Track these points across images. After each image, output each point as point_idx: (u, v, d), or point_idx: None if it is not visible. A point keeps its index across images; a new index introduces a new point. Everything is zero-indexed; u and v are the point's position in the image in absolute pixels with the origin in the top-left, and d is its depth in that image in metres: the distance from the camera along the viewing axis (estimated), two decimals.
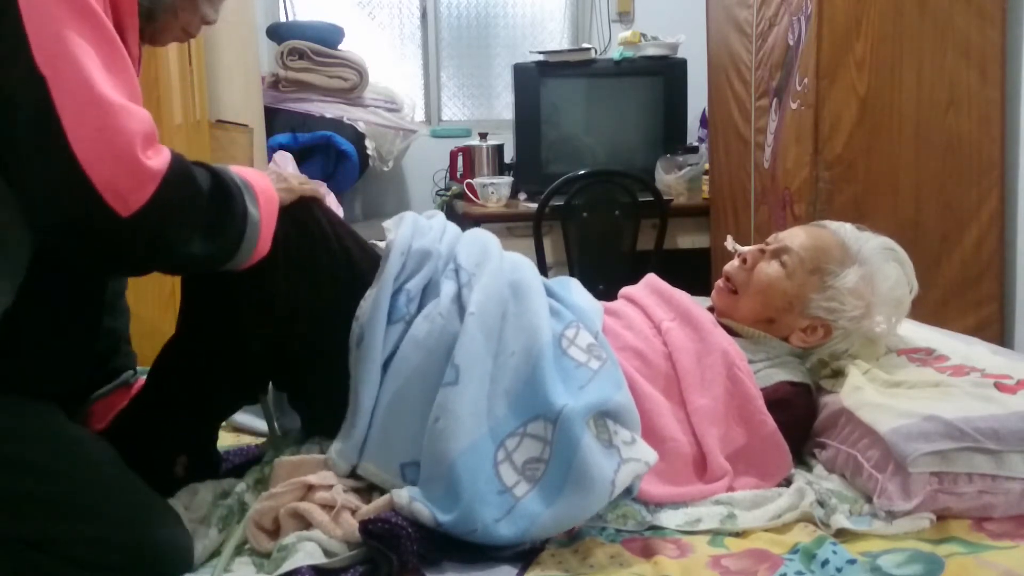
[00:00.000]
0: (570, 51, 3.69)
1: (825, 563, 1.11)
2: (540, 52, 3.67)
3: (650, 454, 1.23)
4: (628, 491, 1.21)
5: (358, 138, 3.60)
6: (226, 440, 1.56)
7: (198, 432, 1.36)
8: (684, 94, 3.67)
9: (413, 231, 1.40)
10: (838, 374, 1.50)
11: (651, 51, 3.66)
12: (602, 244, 3.33)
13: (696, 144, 3.79)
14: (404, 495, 1.18)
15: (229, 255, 1.17)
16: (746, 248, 1.59)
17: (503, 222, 3.39)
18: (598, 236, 3.31)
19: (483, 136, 3.83)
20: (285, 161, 3.32)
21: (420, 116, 4.21)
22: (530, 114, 3.60)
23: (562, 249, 3.35)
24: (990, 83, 2.40)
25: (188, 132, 2.45)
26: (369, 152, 3.66)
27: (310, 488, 1.23)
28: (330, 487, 1.22)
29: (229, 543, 1.19)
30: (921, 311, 1.65)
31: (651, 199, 3.28)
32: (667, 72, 3.66)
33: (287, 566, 1.09)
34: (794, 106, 2.54)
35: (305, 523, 1.18)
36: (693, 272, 2.98)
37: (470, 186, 3.58)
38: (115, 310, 1.45)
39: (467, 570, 1.14)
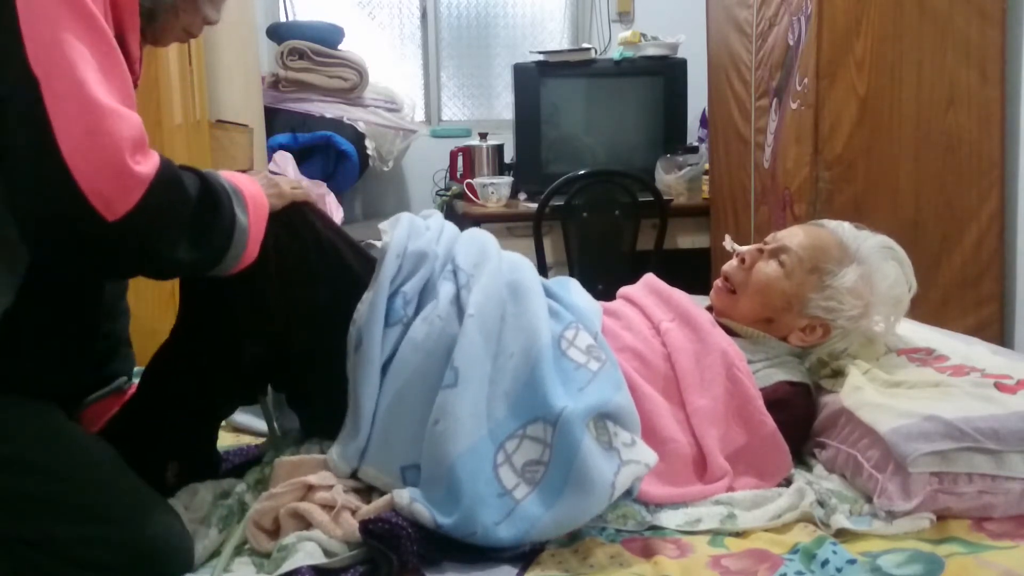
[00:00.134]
0: (570, 51, 3.69)
1: (825, 563, 1.11)
2: (540, 52, 3.67)
3: (650, 456, 1.23)
4: (628, 492, 1.21)
5: (358, 138, 3.60)
6: (226, 440, 1.56)
7: (194, 434, 1.36)
8: (684, 94, 3.67)
9: (409, 233, 1.39)
10: (838, 374, 1.50)
11: (651, 51, 3.66)
12: (602, 244, 3.33)
13: (696, 144, 3.79)
14: (405, 495, 1.18)
15: (216, 261, 1.16)
16: (744, 248, 1.59)
17: (503, 222, 3.39)
18: (598, 236, 3.31)
19: (483, 136, 3.83)
20: (285, 161, 3.32)
21: (420, 116, 4.21)
22: (530, 114, 3.60)
23: (562, 249, 3.35)
24: (990, 83, 2.40)
25: (188, 132, 2.45)
26: (369, 152, 3.66)
27: (310, 488, 1.23)
28: (330, 487, 1.22)
29: (229, 543, 1.19)
30: (921, 311, 1.65)
31: (651, 199, 3.28)
32: (667, 72, 3.66)
33: (287, 566, 1.10)
34: (794, 106, 2.54)
35: (305, 523, 1.18)
36: (693, 272, 2.98)
37: (470, 186, 3.59)
38: (115, 312, 1.45)
39: (467, 570, 1.14)
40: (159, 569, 1.14)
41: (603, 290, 1.80)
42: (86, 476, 1.14)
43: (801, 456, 1.45)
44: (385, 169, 3.85)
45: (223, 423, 1.48)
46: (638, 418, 1.28)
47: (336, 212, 3.30)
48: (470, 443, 1.20)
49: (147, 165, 1.05)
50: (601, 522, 1.22)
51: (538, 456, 1.20)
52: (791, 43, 2.56)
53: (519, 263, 1.44)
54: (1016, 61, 2.40)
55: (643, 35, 3.71)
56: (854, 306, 1.49)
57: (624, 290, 1.66)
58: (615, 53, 3.74)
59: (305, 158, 3.52)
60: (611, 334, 1.47)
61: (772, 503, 1.28)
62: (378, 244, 1.38)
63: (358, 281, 1.32)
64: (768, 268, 1.53)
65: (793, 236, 1.55)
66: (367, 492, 1.26)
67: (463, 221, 3.33)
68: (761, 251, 1.56)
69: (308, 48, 3.56)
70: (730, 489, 1.33)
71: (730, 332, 1.52)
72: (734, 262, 1.58)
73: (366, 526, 1.13)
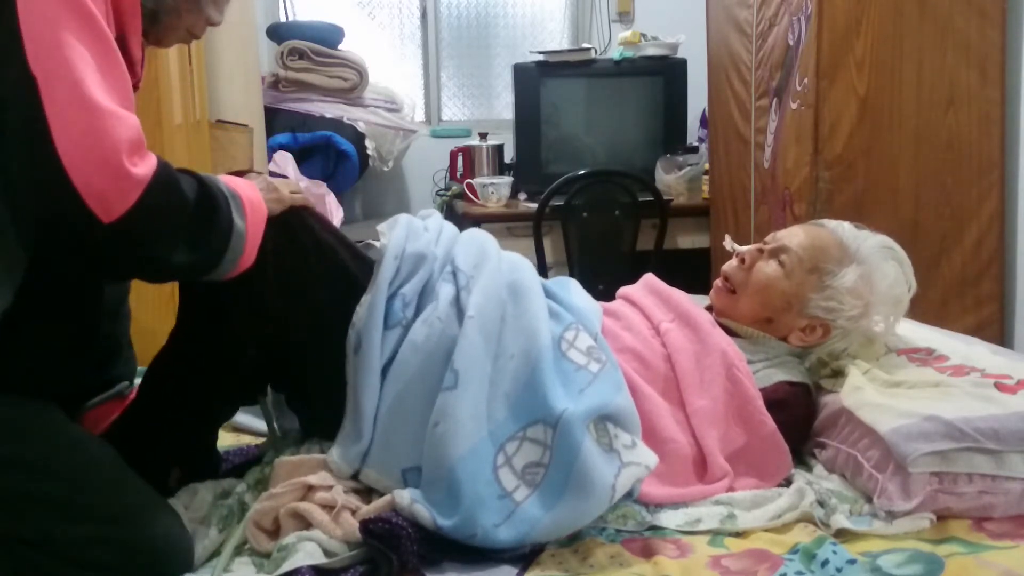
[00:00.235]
0: (570, 51, 3.69)
1: (825, 563, 1.11)
2: (540, 52, 3.67)
3: (650, 457, 1.23)
4: (629, 494, 1.21)
5: (358, 138, 3.60)
6: (226, 440, 1.56)
7: (195, 438, 1.36)
8: (684, 94, 3.67)
9: (407, 234, 1.39)
10: (838, 374, 1.50)
11: (651, 51, 3.66)
12: (602, 244, 3.33)
13: (696, 144, 3.79)
14: (405, 496, 1.18)
15: (212, 265, 1.16)
16: (744, 248, 1.59)
17: (503, 222, 3.39)
18: (598, 236, 3.31)
19: (483, 136, 3.83)
20: (285, 161, 3.32)
21: (420, 116, 4.21)
22: (530, 114, 3.60)
23: (562, 249, 3.35)
24: (990, 83, 2.40)
25: (188, 132, 2.45)
26: (369, 152, 3.66)
27: (310, 488, 1.23)
28: (330, 487, 1.22)
29: (229, 543, 1.19)
30: (921, 311, 1.65)
31: (651, 199, 3.28)
32: (667, 72, 3.65)
33: (287, 566, 1.10)
34: (794, 106, 2.54)
35: (305, 523, 1.18)
36: (693, 272, 2.98)
37: (470, 186, 3.58)
38: (118, 315, 1.44)
39: (467, 570, 1.14)
40: (159, 569, 1.14)
41: (603, 290, 1.80)
42: (86, 476, 1.14)
43: (801, 456, 1.45)
44: (385, 169, 3.85)
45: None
46: (638, 419, 1.27)
47: (336, 212, 3.30)
48: (470, 445, 1.20)
49: (144, 167, 1.05)
50: (601, 522, 1.22)
51: (538, 458, 1.20)
52: (791, 43, 2.56)
53: (519, 263, 1.44)
54: (1016, 61, 2.40)
55: (643, 35, 3.71)
56: (854, 306, 1.49)
57: (624, 290, 1.66)
58: (615, 53, 3.74)
59: (305, 158, 3.52)
60: (611, 335, 1.46)
61: (772, 503, 1.28)
62: (376, 245, 1.38)
63: (357, 284, 1.32)
64: (768, 268, 1.53)
65: (793, 236, 1.55)
66: (367, 492, 1.26)
67: (463, 221, 3.33)
68: (761, 251, 1.56)
69: (308, 48, 3.56)
70: (730, 489, 1.33)
71: (730, 332, 1.52)
72: (734, 262, 1.58)
73: (366, 526, 1.13)
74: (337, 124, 3.57)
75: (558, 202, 3.23)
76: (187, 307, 1.32)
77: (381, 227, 1.42)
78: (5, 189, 1.02)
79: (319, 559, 1.12)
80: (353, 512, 1.20)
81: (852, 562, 1.11)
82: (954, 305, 2.45)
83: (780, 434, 1.37)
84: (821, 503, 1.26)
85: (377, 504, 1.20)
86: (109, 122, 1.01)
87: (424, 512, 1.16)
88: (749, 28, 2.87)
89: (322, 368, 1.31)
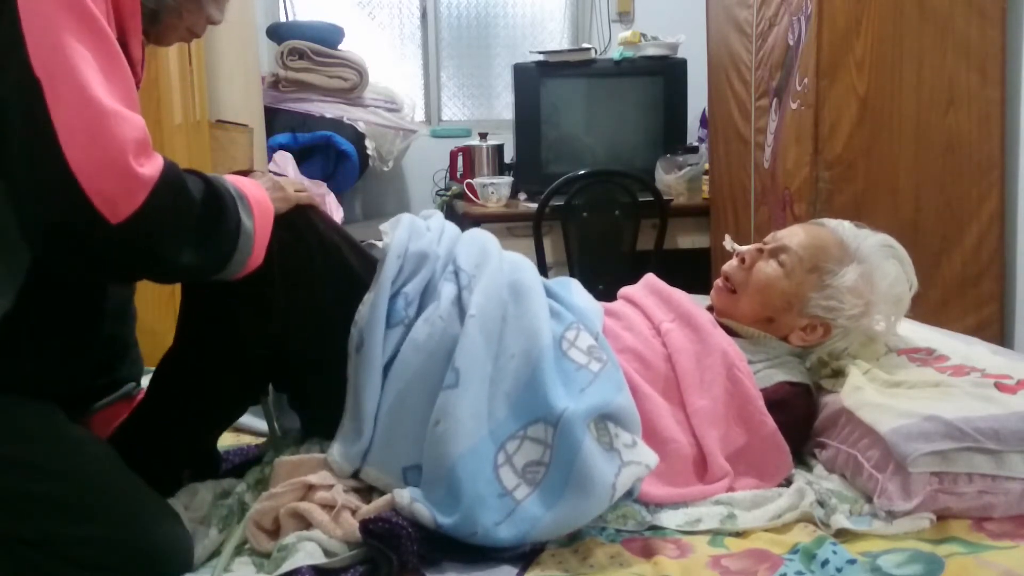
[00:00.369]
0: (570, 51, 3.69)
1: (825, 563, 1.11)
2: (540, 52, 3.67)
3: (651, 457, 1.23)
4: (629, 493, 1.21)
5: (358, 138, 3.60)
6: (226, 440, 1.55)
7: (202, 440, 1.36)
8: (684, 94, 3.67)
9: (410, 234, 1.39)
10: (838, 374, 1.50)
11: (651, 51, 3.66)
12: (602, 244, 3.33)
13: (696, 144, 3.79)
14: (405, 495, 1.18)
15: (221, 266, 1.16)
16: (744, 247, 1.59)
17: (503, 222, 3.39)
18: (598, 236, 3.32)
19: (483, 136, 3.83)
20: (285, 161, 3.32)
21: (420, 116, 4.21)
22: (530, 114, 3.60)
23: (562, 249, 3.35)
24: (990, 83, 2.40)
25: (188, 132, 2.45)
26: (369, 152, 3.66)
27: (310, 488, 1.23)
28: (330, 487, 1.22)
29: (229, 543, 1.19)
30: (921, 311, 1.65)
31: (651, 199, 3.28)
32: (667, 72, 3.66)
33: (287, 566, 1.10)
34: (794, 106, 2.54)
35: (305, 523, 1.18)
36: (693, 272, 2.98)
37: (470, 186, 3.59)
38: (123, 316, 1.44)
39: (467, 570, 1.14)
40: (159, 569, 1.14)
41: (603, 290, 1.80)
42: (86, 476, 1.14)
43: (801, 456, 1.45)
44: (385, 169, 3.85)
45: None
46: (639, 419, 1.28)
47: (336, 212, 3.31)
48: (471, 444, 1.20)
49: (151, 167, 1.04)
50: (601, 522, 1.22)
51: (539, 457, 1.20)
52: (791, 43, 2.57)
53: (520, 263, 1.44)
54: (1016, 61, 2.40)
55: (643, 35, 3.71)
56: (855, 305, 1.49)
57: (624, 290, 1.66)
58: (615, 53, 3.74)
59: (305, 158, 3.52)
60: (612, 335, 1.47)
61: (772, 503, 1.28)
62: (379, 244, 1.38)
63: (360, 282, 1.32)
64: (768, 268, 1.53)
65: (793, 235, 1.55)
66: (367, 492, 1.26)
67: (463, 221, 3.34)
68: (761, 251, 1.56)
69: (308, 48, 3.56)
70: (730, 489, 1.33)
71: (731, 332, 1.52)
72: (734, 262, 1.58)
73: (366, 526, 1.13)
74: (337, 124, 3.57)
75: (558, 202, 3.23)
76: (191, 307, 1.31)
77: (384, 226, 1.42)
78: (9, 191, 1.02)
79: (319, 559, 1.12)
80: (353, 512, 1.20)
81: (852, 562, 1.11)
82: (954, 305, 2.45)
83: (780, 434, 1.37)
84: (821, 503, 1.26)
85: (377, 504, 1.20)
86: (115, 123, 1.01)
87: (424, 511, 1.16)
88: (749, 28, 2.87)
89: (324, 367, 1.31)
